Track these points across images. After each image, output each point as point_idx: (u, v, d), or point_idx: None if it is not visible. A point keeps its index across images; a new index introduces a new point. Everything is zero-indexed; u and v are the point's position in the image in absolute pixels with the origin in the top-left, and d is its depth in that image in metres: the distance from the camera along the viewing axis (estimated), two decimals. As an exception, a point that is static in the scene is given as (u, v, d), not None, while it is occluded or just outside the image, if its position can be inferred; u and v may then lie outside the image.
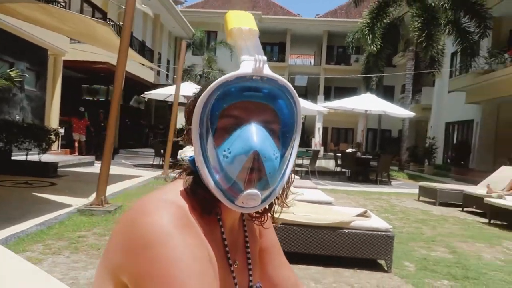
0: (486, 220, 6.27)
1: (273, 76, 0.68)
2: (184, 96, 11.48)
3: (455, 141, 18.45)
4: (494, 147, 15.70)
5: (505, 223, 5.96)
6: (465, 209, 7.38)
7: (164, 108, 22.47)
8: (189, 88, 12.30)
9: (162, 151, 11.94)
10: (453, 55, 17.90)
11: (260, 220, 0.81)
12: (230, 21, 0.76)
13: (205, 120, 0.67)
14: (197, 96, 0.72)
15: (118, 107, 5.27)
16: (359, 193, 8.95)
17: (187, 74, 21.30)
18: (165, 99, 14.09)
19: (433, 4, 14.21)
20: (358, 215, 3.62)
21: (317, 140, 22.53)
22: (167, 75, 23.95)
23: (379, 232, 3.50)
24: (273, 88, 0.69)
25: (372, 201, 7.75)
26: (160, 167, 11.12)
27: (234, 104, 0.67)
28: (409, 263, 3.77)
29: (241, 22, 0.76)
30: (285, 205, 0.78)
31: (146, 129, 20.21)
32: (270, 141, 0.67)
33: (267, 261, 0.91)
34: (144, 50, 17.64)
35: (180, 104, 10.48)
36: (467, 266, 3.74)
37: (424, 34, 13.38)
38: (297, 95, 0.72)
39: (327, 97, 26.21)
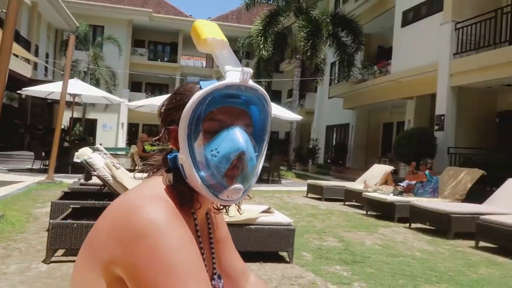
0: (364, 212, 7.16)
1: (255, 86, 0.78)
2: (70, 94, 10.62)
3: (334, 143, 20.42)
4: (366, 148, 17.83)
5: (379, 213, 6.89)
6: (346, 203, 8.29)
7: (42, 106, 20.35)
8: (75, 86, 11.41)
9: (43, 153, 10.87)
10: (333, 64, 19.81)
11: (224, 211, 0.93)
12: (202, 31, 0.85)
13: (194, 123, 0.74)
14: (179, 99, 0.78)
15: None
16: (253, 192, 9.33)
17: (70, 70, 19.61)
18: (47, 97, 12.81)
19: (317, 17, 15.57)
20: (263, 212, 3.87)
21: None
22: (46, 70, 21.73)
23: (282, 226, 3.80)
24: (251, 95, 0.79)
25: (267, 199, 8.21)
26: (41, 171, 10.11)
27: (219, 109, 0.76)
28: (306, 253, 4.16)
29: (213, 32, 0.85)
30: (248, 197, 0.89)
31: (22, 129, 18.07)
32: (251, 142, 0.78)
33: (221, 251, 0.99)
34: (18, 41, 15.74)
35: (67, 102, 9.68)
36: (354, 252, 4.28)
37: (309, 44, 14.61)
38: (270, 102, 0.85)
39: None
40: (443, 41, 11.28)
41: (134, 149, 9.84)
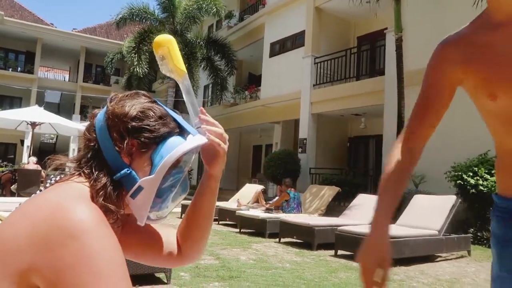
0: (238, 230, 7.40)
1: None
2: None
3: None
4: (238, 169, 18.52)
5: (252, 230, 7.21)
6: (220, 222, 8.46)
7: None
8: None
9: None
10: (206, 87, 20.28)
11: None
12: (181, 60, 0.87)
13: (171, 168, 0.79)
14: (157, 126, 0.79)
15: None
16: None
17: None
18: None
19: (191, 40, 15.85)
20: (140, 232, 3.72)
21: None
22: None
23: (154, 265, 3.70)
24: None
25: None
26: None
27: (184, 157, 0.82)
28: (184, 273, 4.11)
29: (182, 63, 0.89)
30: None
31: None
32: None
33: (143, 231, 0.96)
34: None
35: None
36: (230, 268, 4.39)
37: (186, 68, 14.74)
38: None
39: (84, 117, 24.72)
40: (304, 73, 12.61)
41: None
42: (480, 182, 6.67)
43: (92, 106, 27.19)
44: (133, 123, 0.77)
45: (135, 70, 14.64)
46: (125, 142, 0.76)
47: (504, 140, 1.04)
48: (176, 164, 0.80)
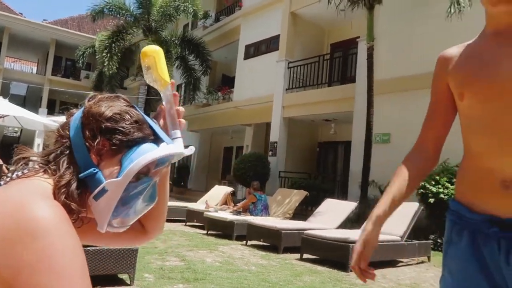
0: (205, 231, 7.36)
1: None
2: None
3: (176, 164, 20.47)
4: (208, 170, 18.42)
5: (219, 232, 7.19)
6: (188, 223, 8.38)
7: None
8: None
9: None
10: (179, 86, 20.07)
11: None
12: (166, 71, 0.86)
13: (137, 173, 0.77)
14: (132, 129, 0.78)
15: None
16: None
17: None
18: None
19: (166, 38, 15.67)
20: (104, 232, 3.65)
21: None
22: None
23: (123, 247, 3.64)
24: None
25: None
26: None
27: (154, 164, 0.80)
28: (148, 274, 4.05)
29: (167, 74, 0.88)
30: None
31: None
32: None
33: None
34: None
35: None
36: (196, 270, 4.37)
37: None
38: None
39: (51, 111, 23.95)
40: (278, 77, 12.72)
41: None
42: (441, 190, 6.93)
43: (60, 101, 26.40)
44: (107, 124, 0.77)
45: (105, 70, 14.35)
46: (97, 141, 0.75)
47: (467, 142, 1.10)
48: (146, 171, 0.78)
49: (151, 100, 16.79)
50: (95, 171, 0.75)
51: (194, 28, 19.72)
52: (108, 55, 14.44)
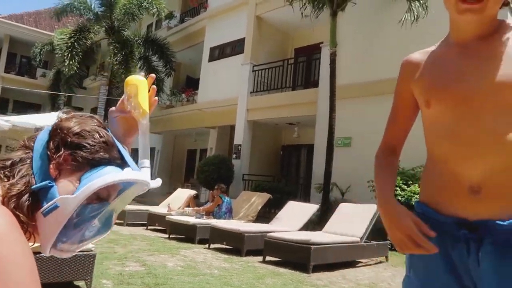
0: (167, 235, 7.23)
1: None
2: None
3: (138, 166, 19.99)
4: (171, 172, 18.13)
5: (182, 236, 7.08)
6: (149, 227, 8.20)
7: None
8: None
9: None
10: (141, 87, 19.66)
11: None
12: (147, 101, 0.86)
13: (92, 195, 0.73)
14: (99, 149, 0.75)
15: None
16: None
17: None
18: None
19: (129, 38, 15.32)
20: (59, 238, 3.49)
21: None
22: None
23: (80, 252, 3.50)
24: None
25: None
26: None
27: (115, 189, 0.77)
28: (106, 280, 3.92)
29: (147, 104, 0.86)
30: None
31: None
32: None
33: None
34: None
35: None
36: (157, 275, 4.27)
37: (123, 67, 14.23)
38: None
39: (4, 111, 22.74)
40: (243, 79, 12.75)
41: None
42: (398, 191, 7.18)
43: (14, 100, 25.13)
44: (74, 138, 0.74)
45: (65, 69, 13.83)
46: (59, 154, 0.73)
47: (432, 147, 1.14)
48: (106, 195, 0.75)
49: (112, 101, 16.33)
50: (50, 184, 0.71)
51: (158, 28, 19.40)
52: (70, 54, 13.93)
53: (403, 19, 8.00)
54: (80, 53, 14.24)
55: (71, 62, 13.84)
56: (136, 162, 0.82)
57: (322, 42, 10.73)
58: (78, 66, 14.29)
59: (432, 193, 1.13)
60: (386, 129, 1.29)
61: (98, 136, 0.76)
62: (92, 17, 15.48)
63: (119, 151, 0.78)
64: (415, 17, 7.91)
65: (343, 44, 9.81)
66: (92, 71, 21.76)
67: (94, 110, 20.57)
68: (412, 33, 8.13)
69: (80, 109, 25.51)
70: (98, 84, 18.29)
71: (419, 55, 1.19)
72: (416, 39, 8.39)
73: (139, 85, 0.87)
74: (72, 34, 14.56)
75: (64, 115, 0.78)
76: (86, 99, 22.73)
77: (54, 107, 18.47)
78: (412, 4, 8.02)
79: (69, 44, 14.15)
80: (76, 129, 0.75)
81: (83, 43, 14.45)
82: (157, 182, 0.83)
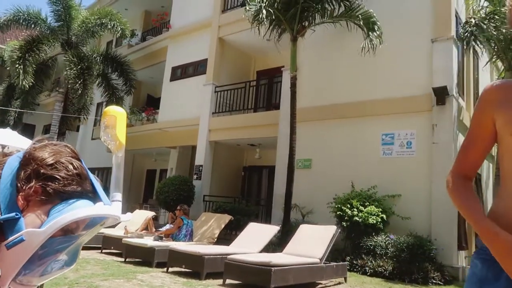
0: (123, 259, 6.94)
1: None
2: None
3: (94, 186, 19.24)
4: (128, 193, 17.56)
5: (138, 259, 6.82)
6: (104, 250, 7.85)
7: None
8: None
9: None
10: (99, 105, 19.13)
11: None
12: (125, 134, 0.84)
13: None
14: (73, 185, 0.73)
15: None
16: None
17: None
18: None
19: (87, 54, 14.95)
20: None
21: None
22: None
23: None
24: None
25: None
26: None
27: (84, 223, 0.73)
28: (55, 309, 3.69)
29: (124, 137, 0.85)
30: None
31: None
32: None
33: None
34: None
35: None
36: (111, 301, 4.08)
37: (81, 82, 13.78)
38: None
39: None
40: (205, 100, 12.74)
41: None
42: (356, 213, 7.35)
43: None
44: (46, 170, 0.71)
45: (19, 83, 13.19)
46: (30, 185, 0.69)
47: (509, 181, 1.13)
48: (74, 228, 0.72)
49: (67, 118, 15.77)
50: (17, 216, 0.68)
51: (118, 45, 19.09)
52: (22, 67, 13.32)
53: (362, 46, 8.38)
54: (34, 67, 13.66)
55: (25, 76, 13.23)
56: (108, 194, 0.80)
57: (283, 66, 10.98)
58: (33, 81, 13.69)
59: None
60: (462, 156, 1.28)
61: (72, 168, 0.74)
62: (46, 31, 14.94)
63: (91, 184, 0.76)
64: (374, 46, 8.32)
65: (303, 69, 10.09)
66: (46, 87, 20.92)
67: (47, 127, 19.72)
68: (366, 61, 8.54)
69: (32, 126, 24.41)
70: (52, 100, 17.62)
71: (502, 85, 1.20)
72: (369, 66, 8.82)
73: (117, 116, 0.87)
74: (23, 46, 13.95)
75: (38, 144, 0.75)
76: (39, 116, 21.77)
77: (3, 124, 17.51)
78: (370, 34, 8.44)
79: (20, 56, 13.55)
80: (50, 160, 0.72)
81: (36, 57, 13.87)
82: (127, 217, 0.82)
